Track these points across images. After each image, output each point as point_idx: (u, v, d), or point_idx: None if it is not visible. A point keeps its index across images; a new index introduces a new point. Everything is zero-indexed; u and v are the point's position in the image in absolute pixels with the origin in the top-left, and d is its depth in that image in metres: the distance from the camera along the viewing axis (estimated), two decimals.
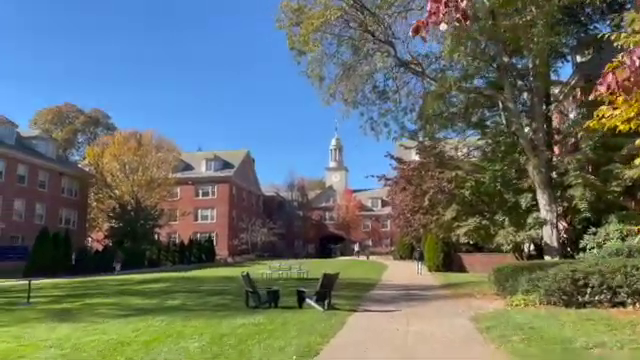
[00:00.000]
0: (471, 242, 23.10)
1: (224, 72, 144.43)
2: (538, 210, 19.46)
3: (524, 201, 20.41)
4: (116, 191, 49.20)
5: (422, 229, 24.29)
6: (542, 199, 19.13)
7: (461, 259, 32.30)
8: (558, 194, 19.69)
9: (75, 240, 43.65)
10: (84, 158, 60.20)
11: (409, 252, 42.04)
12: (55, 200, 43.94)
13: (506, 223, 20.43)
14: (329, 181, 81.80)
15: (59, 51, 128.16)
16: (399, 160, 25.34)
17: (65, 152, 71.34)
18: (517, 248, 21.36)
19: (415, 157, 26.32)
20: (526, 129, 20.73)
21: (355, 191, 76.77)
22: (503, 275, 14.87)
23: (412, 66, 21.19)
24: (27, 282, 17.26)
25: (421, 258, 30.30)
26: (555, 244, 18.76)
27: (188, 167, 62.98)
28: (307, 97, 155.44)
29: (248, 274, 13.14)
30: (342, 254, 70.45)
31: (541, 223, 19.03)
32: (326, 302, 12.84)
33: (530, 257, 22.34)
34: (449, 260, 31.54)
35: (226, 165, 63.96)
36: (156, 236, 54.04)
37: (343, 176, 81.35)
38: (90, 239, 58.10)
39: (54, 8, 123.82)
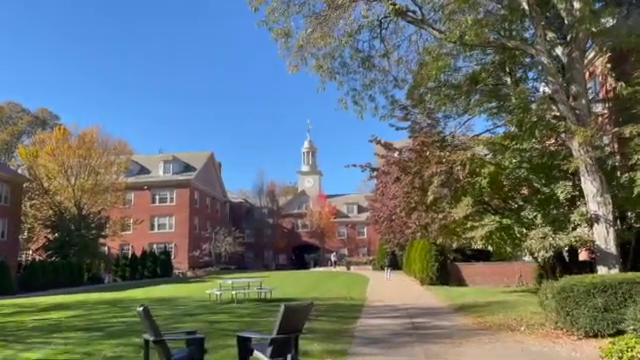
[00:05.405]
0: (490, 248, 17.64)
1: (189, 68, 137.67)
2: (583, 203, 14.14)
3: (561, 191, 15.05)
4: (57, 197, 42.26)
5: (422, 232, 18.61)
6: (591, 186, 13.70)
7: (459, 270, 26.85)
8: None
9: (6, 253, 36.90)
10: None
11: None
12: None
13: (538, 221, 15.04)
14: (302, 186, 75.81)
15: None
16: (388, 146, 19.67)
17: (8, 155, 64.10)
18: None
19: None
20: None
21: (329, 196, 71.18)
22: (572, 298, 9.40)
23: (409, 14, 15.74)
24: None
25: (391, 265, 34.00)
26: (612, 249, 13.36)
27: (144, 170, 56.35)
28: (278, 96, 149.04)
29: (146, 309, 7.17)
30: (316, 264, 64.72)
31: (589, 220, 13.71)
32: (289, 357, 7.07)
33: (553, 268, 17.03)
34: (445, 272, 26.02)
35: (187, 168, 57.56)
36: (106, 248, 47.73)
37: (317, 181, 75.43)
38: (31, 252, 51.16)
39: None
